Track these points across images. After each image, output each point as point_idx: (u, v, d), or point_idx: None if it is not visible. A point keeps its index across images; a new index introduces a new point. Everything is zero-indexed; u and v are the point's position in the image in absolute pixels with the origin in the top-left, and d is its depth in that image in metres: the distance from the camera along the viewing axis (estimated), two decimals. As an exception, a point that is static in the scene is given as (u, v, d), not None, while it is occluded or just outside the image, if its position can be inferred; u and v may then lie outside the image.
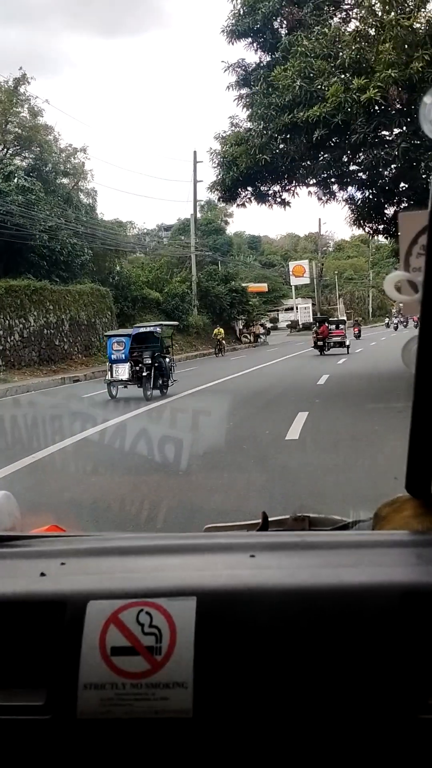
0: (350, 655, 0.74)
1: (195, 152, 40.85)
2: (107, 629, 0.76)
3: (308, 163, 14.68)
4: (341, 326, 30.90)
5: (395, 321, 56.94)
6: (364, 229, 17.78)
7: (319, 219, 61.73)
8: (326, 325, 29.65)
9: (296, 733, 0.73)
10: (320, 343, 28.45)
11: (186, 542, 0.99)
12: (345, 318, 43.18)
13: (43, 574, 0.85)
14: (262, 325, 46.20)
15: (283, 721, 0.73)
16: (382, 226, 17.95)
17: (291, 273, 63.62)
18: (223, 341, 32.14)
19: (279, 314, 71.05)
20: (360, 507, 1.16)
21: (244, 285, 46.91)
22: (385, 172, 15.47)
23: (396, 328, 55.64)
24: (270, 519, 1.09)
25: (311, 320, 63.30)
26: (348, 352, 27.91)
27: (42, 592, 0.82)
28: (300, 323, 62.38)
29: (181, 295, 36.96)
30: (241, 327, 44.99)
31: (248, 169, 14.05)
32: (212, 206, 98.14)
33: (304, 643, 0.74)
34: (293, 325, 60.12)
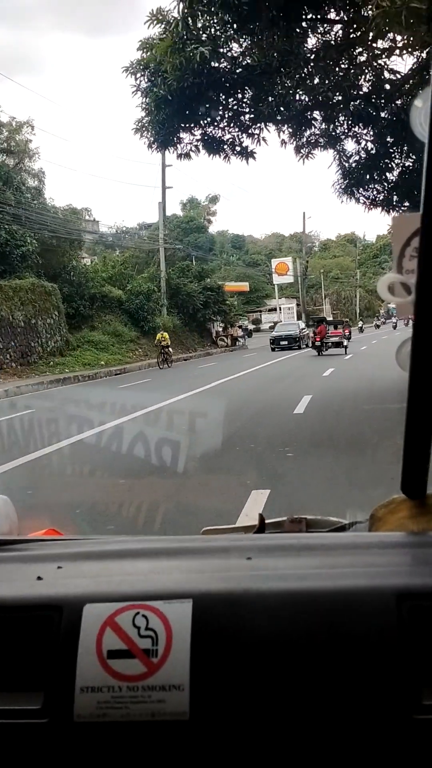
0: (346, 657, 0.74)
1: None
2: (104, 632, 0.76)
3: (282, 82, 9.79)
4: (339, 326, 29.84)
5: (394, 320, 52.69)
6: (358, 200, 13.08)
7: (304, 213, 57.67)
8: (324, 325, 28.38)
9: (293, 735, 0.73)
10: (318, 343, 27.31)
11: (183, 545, 0.97)
12: (333, 318, 40.68)
13: (39, 578, 0.85)
14: (240, 326, 41.37)
15: (279, 723, 0.73)
16: (382, 195, 13.17)
17: (274, 271, 58.99)
18: (169, 348, 26.97)
19: (262, 315, 66.66)
20: (357, 509, 1.16)
21: (221, 283, 41.93)
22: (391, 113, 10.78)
23: (395, 327, 51.50)
24: (267, 521, 1.09)
25: (295, 321, 59.34)
26: (346, 353, 26.45)
27: (39, 595, 0.81)
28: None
29: (147, 294, 32.12)
30: (218, 329, 40.28)
31: (189, 89, 9.09)
32: (194, 204, 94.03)
33: (300, 646, 0.75)
34: (274, 327, 55.79)
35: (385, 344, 29.94)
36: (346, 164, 12.72)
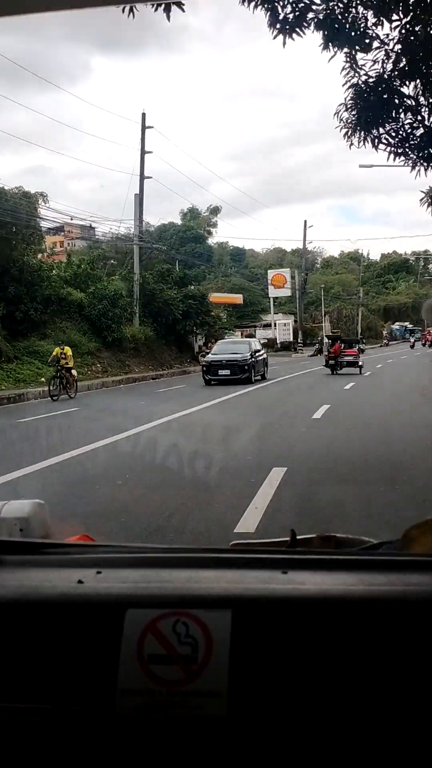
0: (381, 667, 0.75)
1: (144, 114, 31.04)
2: (145, 637, 0.77)
3: None
4: (355, 345, 28.42)
5: (411, 340, 48.99)
6: (375, 142, 7.85)
7: (305, 221, 51.86)
8: (339, 343, 27.02)
9: (330, 743, 0.74)
10: (332, 362, 25.99)
11: (218, 556, 0.99)
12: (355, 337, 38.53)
13: (80, 582, 0.85)
14: (226, 341, 36.06)
15: (317, 732, 0.74)
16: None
17: (270, 283, 53.81)
18: (71, 372, 18.62)
19: (256, 330, 61.63)
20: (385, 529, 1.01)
21: (210, 293, 36.59)
22: None
23: (412, 346, 45.76)
24: (298, 537, 1.08)
25: (291, 339, 54.15)
26: (360, 373, 25.05)
27: (81, 598, 0.82)
28: (278, 342, 52.62)
29: (112, 298, 26.78)
30: (200, 343, 35.03)
31: None
32: (195, 214, 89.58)
33: (337, 658, 0.76)
34: (269, 344, 50.54)
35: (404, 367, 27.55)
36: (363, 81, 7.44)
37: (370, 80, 7.52)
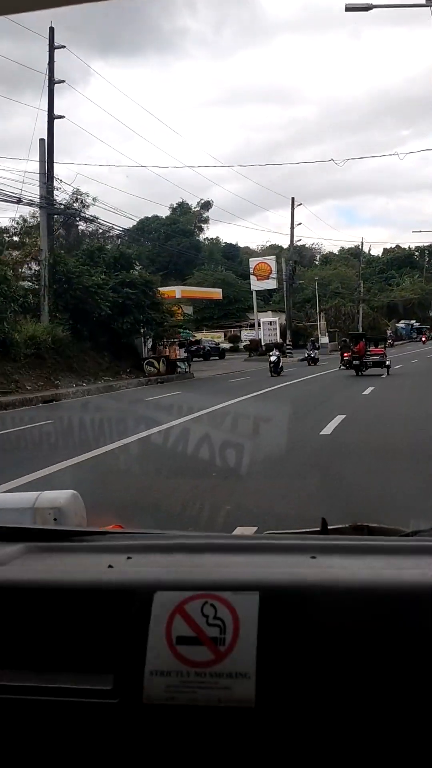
0: (411, 651, 0.73)
1: (52, 29, 21.80)
2: (173, 619, 0.77)
3: None
4: (380, 344, 25.71)
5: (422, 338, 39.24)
6: None
7: (293, 198, 42.55)
8: (363, 342, 23.95)
9: (356, 725, 0.73)
10: (356, 362, 23.04)
11: (248, 542, 0.99)
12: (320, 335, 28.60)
13: (110, 566, 0.86)
14: (182, 344, 26.84)
15: (343, 713, 0.73)
16: None
17: (252, 272, 44.57)
18: None
19: (242, 331, 52.73)
20: (419, 518, 0.85)
21: (152, 277, 27.14)
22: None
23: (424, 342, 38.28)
24: (329, 527, 1.07)
25: (278, 340, 45.32)
26: (389, 374, 22.04)
27: (110, 582, 0.82)
28: (263, 344, 43.51)
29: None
30: (149, 348, 26.02)
31: None
32: (185, 209, 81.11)
33: (364, 639, 0.75)
34: (253, 347, 41.59)
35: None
36: None
37: None
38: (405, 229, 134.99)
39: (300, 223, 38.98)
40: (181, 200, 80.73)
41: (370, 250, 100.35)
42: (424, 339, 59.41)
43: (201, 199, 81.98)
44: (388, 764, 0.72)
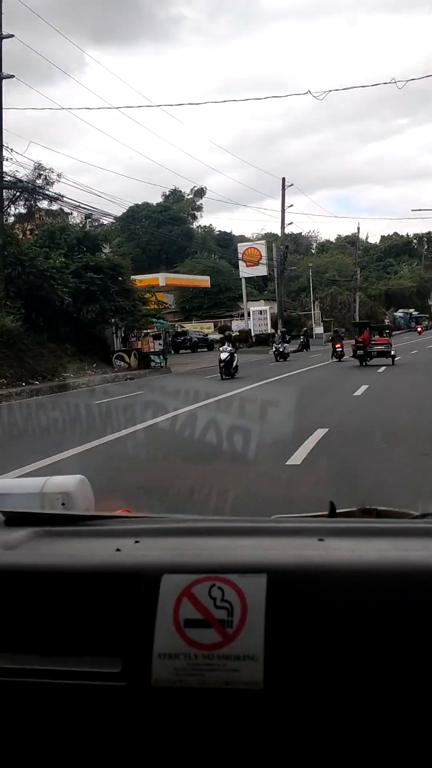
0: (418, 632, 0.73)
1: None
2: (181, 602, 0.76)
3: None
4: (385, 333, 24.07)
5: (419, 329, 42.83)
6: None
7: (283, 179, 39.55)
8: (368, 331, 22.64)
9: (363, 707, 0.72)
10: (360, 352, 21.63)
11: (256, 525, 0.98)
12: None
13: (118, 550, 0.86)
14: (158, 336, 24.08)
15: (351, 694, 0.73)
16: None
17: (241, 258, 41.76)
18: None
19: (232, 321, 50.05)
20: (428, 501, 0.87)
21: (122, 260, 24.21)
22: None
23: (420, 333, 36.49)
24: (337, 511, 1.06)
25: (269, 330, 42.60)
26: (393, 363, 20.75)
27: (118, 565, 0.82)
28: (253, 335, 40.81)
29: None
30: (122, 340, 23.30)
31: None
32: (178, 196, 78.14)
33: (372, 620, 0.74)
34: (242, 338, 38.97)
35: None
36: None
37: None
38: (403, 218, 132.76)
39: (291, 205, 36.19)
40: (174, 187, 78.27)
41: (367, 237, 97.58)
42: (420, 329, 56.70)
43: (194, 186, 79.45)
44: (396, 746, 0.72)
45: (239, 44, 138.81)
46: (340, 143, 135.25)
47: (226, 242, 76.38)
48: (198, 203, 79.36)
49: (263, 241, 42.05)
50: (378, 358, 21.69)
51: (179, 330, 42.26)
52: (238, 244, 42.25)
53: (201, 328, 48.28)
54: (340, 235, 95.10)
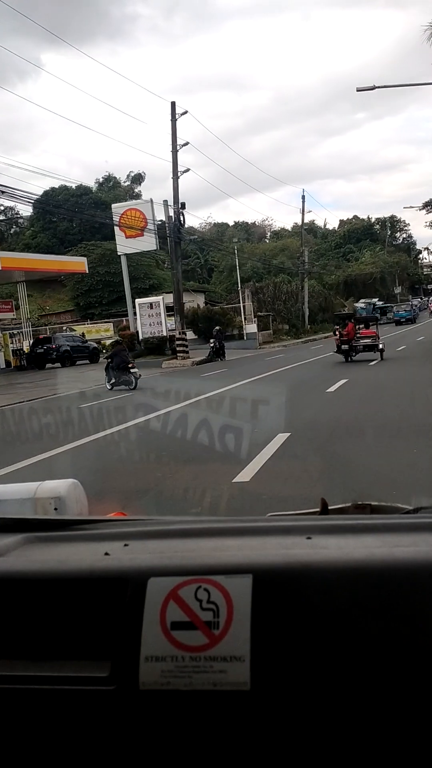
0: (403, 627, 0.71)
1: None
2: (167, 605, 0.75)
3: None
4: (372, 325, 20.46)
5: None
6: None
7: (172, 103, 25.91)
8: (353, 323, 19.34)
9: (352, 705, 0.71)
10: (345, 346, 18.84)
11: (245, 525, 0.95)
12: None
13: (107, 554, 0.84)
14: None
15: (339, 693, 0.71)
16: None
17: (117, 225, 27.83)
18: None
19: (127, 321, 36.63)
20: (422, 495, 0.92)
21: None
22: None
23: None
24: (331, 507, 1.04)
25: (166, 332, 29.00)
26: (381, 358, 18.05)
27: (106, 570, 0.81)
28: (140, 339, 27.19)
29: None
30: None
31: None
32: (114, 183, 65.42)
33: (359, 618, 0.72)
34: (128, 344, 25.63)
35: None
36: None
37: None
38: (366, 212, 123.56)
39: (187, 143, 22.23)
40: (107, 174, 65.87)
41: (325, 224, 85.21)
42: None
43: (131, 172, 66.97)
44: (385, 746, 0.70)
45: (195, 42, 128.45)
46: (300, 139, 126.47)
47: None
48: (136, 190, 66.94)
49: (148, 201, 28.19)
50: (364, 352, 18.98)
51: (42, 336, 28.56)
52: (113, 206, 28.19)
53: (96, 330, 34.72)
54: (296, 223, 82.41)
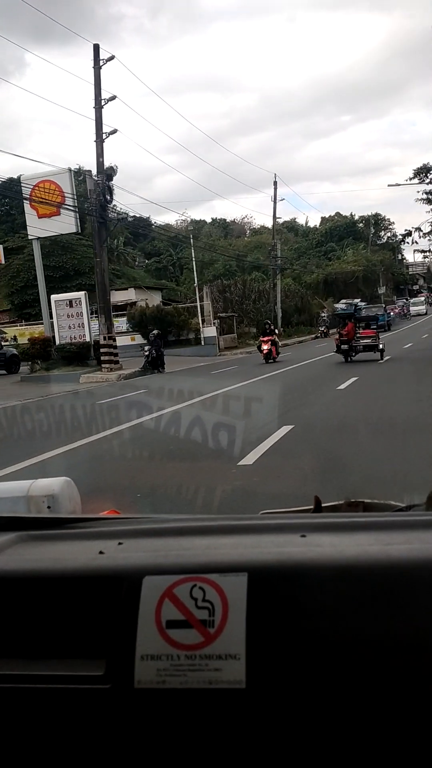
0: (398, 625, 0.71)
1: None
2: (162, 603, 0.74)
3: None
4: (372, 325, 20.49)
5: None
6: None
7: (96, 46, 20.30)
8: (353, 323, 18.70)
9: (348, 704, 0.70)
10: (345, 346, 18.33)
11: (239, 523, 0.94)
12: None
13: (101, 552, 0.83)
14: None
15: (334, 692, 0.71)
16: None
17: (28, 200, 22.04)
18: None
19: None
20: (415, 492, 0.94)
21: None
22: None
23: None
24: (324, 504, 1.03)
25: (89, 336, 23.16)
26: (381, 358, 17.55)
27: (100, 568, 0.80)
28: (55, 344, 21.52)
29: None
30: None
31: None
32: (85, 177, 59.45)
33: (353, 617, 0.72)
34: (39, 349, 19.83)
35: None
36: None
37: None
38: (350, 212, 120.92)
39: (114, 97, 16.43)
40: (78, 167, 60.30)
41: (307, 222, 79.94)
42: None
43: (110, 166, 60.92)
44: (381, 744, 0.69)
45: (181, 43, 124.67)
46: (286, 141, 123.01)
47: (140, 229, 57.60)
48: (109, 184, 61.16)
49: (66, 171, 22.41)
50: (365, 351, 18.16)
51: None
52: (22, 177, 22.39)
53: (31, 333, 29.05)
54: (277, 221, 77.12)
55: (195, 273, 31.96)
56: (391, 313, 44.44)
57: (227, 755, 0.71)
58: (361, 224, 74.26)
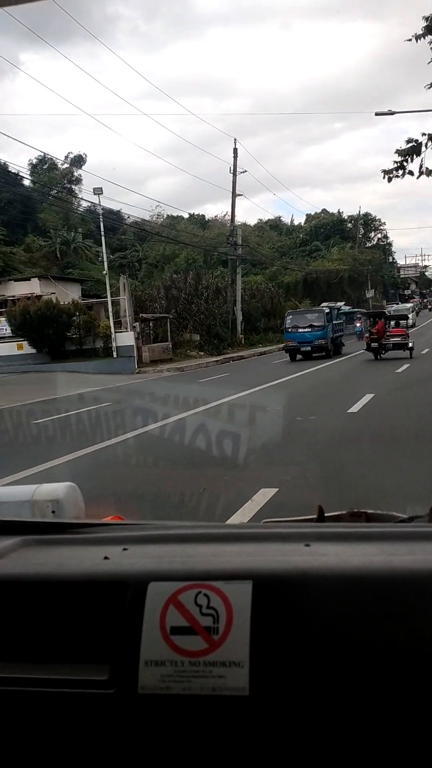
0: (402, 635, 0.70)
1: None
2: (167, 609, 0.73)
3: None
4: (402, 323, 20.24)
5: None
6: None
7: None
8: (383, 321, 19.18)
9: (350, 712, 0.69)
10: (375, 344, 18.62)
11: (243, 531, 0.94)
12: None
13: (106, 558, 0.82)
14: None
15: (336, 700, 0.70)
16: None
17: None
18: None
19: None
20: (417, 503, 1.05)
21: None
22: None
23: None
24: (327, 514, 1.01)
25: None
26: (411, 356, 17.93)
27: (105, 573, 0.79)
28: None
29: None
30: None
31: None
32: (51, 166, 52.04)
33: (356, 626, 0.71)
34: None
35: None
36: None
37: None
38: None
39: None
40: (42, 155, 51.81)
41: (292, 220, 71.39)
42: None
43: (69, 153, 53.25)
44: (383, 751, 0.68)
45: (175, 47, 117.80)
46: (278, 147, 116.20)
47: (112, 223, 48.92)
48: (77, 174, 52.97)
49: None
50: (394, 350, 18.43)
51: None
52: None
53: None
54: (260, 219, 68.42)
55: (105, 256, 22.83)
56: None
57: (229, 762, 0.70)
58: (350, 224, 65.45)
